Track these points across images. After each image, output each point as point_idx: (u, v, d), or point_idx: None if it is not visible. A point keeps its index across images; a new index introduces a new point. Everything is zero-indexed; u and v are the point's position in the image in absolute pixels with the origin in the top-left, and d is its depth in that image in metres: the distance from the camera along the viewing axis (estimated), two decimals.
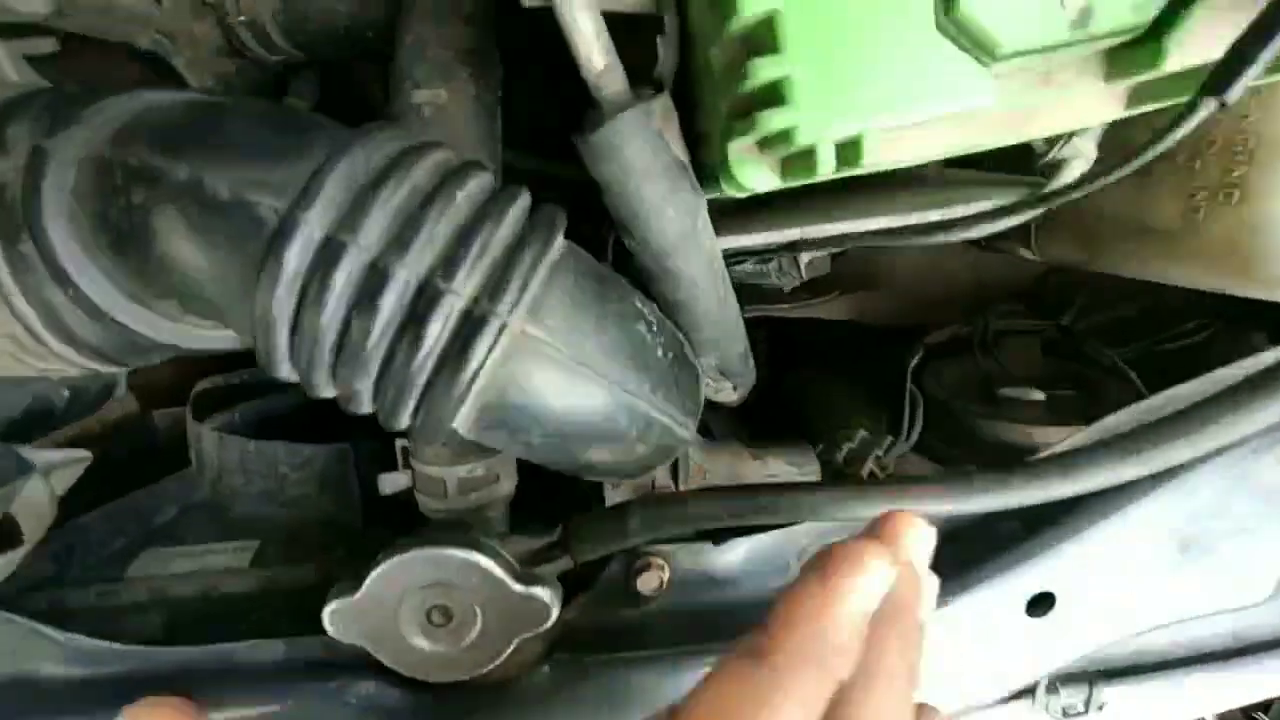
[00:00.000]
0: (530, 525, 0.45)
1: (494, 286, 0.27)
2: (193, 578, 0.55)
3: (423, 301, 0.27)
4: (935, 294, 0.66)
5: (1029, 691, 0.47)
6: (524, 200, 0.30)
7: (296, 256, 0.26)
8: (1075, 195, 0.32)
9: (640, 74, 0.36)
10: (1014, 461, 0.38)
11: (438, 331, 0.27)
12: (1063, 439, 0.41)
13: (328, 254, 0.26)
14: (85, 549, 0.59)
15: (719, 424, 0.74)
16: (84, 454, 0.43)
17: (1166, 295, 0.47)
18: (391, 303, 0.26)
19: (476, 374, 0.27)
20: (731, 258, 0.48)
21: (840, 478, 0.55)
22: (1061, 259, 0.50)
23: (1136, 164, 0.27)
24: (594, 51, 0.32)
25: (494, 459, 0.43)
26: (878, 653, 0.26)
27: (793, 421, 0.70)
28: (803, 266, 0.49)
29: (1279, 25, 0.22)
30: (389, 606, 0.40)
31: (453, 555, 0.39)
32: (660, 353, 0.32)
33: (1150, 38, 0.26)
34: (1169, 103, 0.28)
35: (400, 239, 0.26)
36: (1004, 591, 0.41)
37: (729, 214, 0.43)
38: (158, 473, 0.65)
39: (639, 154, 0.33)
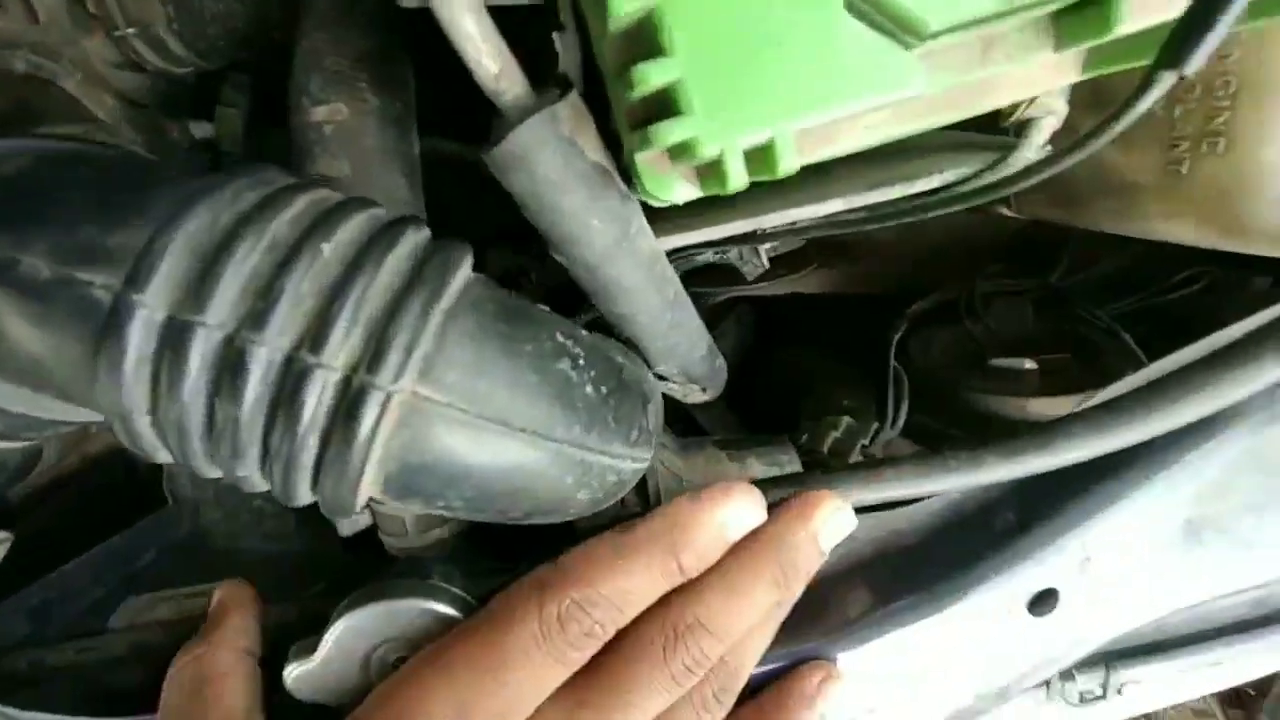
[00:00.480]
0: (495, 558, 0.43)
1: (374, 352, 0.24)
2: (175, 626, 0.54)
3: (290, 379, 0.23)
4: (917, 257, 0.62)
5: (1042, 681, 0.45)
6: (412, 239, 0.26)
7: (138, 342, 0.22)
8: (1043, 175, 0.28)
9: (547, 73, 0.32)
10: (988, 437, 0.36)
11: (312, 409, 0.23)
12: (1059, 411, 0.38)
13: (173, 336, 0.22)
14: (64, 601, 0.58)
15: (706, 414, 0.71)
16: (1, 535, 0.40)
17: (1161, 244, 0.43)
18: (255, 385, 0.23)
19: (368, 448, 0.24)
20: (682, 254, 0.45)
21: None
22: (1042, 216, 0.46)
23: (1089, 150, 0.24)
24: (484, 54, 0.28)
25: None
26: (726, 571, 0.31)
27: (782, 405, 0.67)
28: (764, 254, 0.46)
29: None
30: (350, 665, 0.38)
31: (407, 607, 0.37)
32: (590, 389, 0.29)
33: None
34: (1132, 65, 0.24)
35: (254, 312, 0.23)
36: (1002, 591, 0.39)
37: (668, 211, 0.40)
38: (140, 507, 0.63)
39: (549, 164, 0.30)
